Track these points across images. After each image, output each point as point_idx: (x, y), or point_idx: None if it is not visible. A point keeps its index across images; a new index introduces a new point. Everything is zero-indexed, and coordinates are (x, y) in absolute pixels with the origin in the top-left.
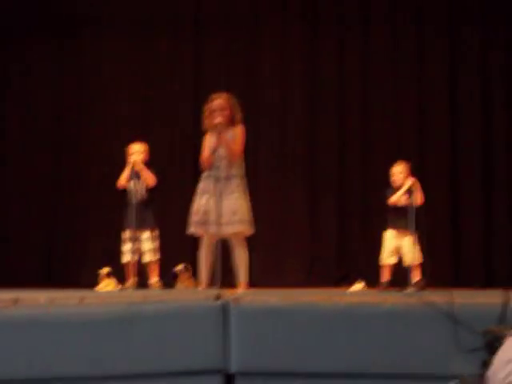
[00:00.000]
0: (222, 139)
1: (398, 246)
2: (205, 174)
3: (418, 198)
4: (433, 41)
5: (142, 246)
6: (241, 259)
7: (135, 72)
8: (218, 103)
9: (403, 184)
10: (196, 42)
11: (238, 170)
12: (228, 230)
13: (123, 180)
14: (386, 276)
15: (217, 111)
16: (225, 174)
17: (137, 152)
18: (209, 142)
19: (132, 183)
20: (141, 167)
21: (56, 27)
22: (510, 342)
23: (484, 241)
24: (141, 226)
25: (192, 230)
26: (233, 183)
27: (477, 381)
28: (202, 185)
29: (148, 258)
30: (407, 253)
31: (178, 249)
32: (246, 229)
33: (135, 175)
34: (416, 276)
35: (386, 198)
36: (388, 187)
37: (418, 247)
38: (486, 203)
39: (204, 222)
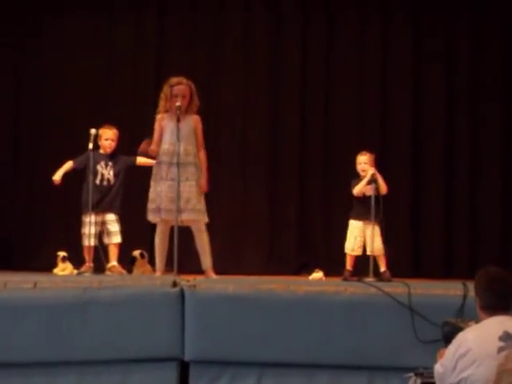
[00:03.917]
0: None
1: (362, 236)
2: (158, 160)
3: (382, 188)
4: (398, 30)
5: (107, 228)
6: (202, 245)
7: (97, 53)
8: (182, 89)
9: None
10: (159, 22)
11: (193, 157)
12: (180, 217)
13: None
14: (350, 265)
15: (179, 97)
16: (180, 160)
17: (109, 139)
18: (162, 125)
19: (99, 166)
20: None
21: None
22: (459, 336)
23: (445, 231)
24: (105, 209)
25: (149, 217)
26: (188, 171)
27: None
28: (155, 170)
29: (113, 240)
30: (371, 242)
31: (138, 235)
32: (198, 217)
33: (108, 158)
34: (382, 266)
35: (351, 187)
36: (354, 177)
37: (381, 237)
38: (447, 193)
39: (159, 209)
